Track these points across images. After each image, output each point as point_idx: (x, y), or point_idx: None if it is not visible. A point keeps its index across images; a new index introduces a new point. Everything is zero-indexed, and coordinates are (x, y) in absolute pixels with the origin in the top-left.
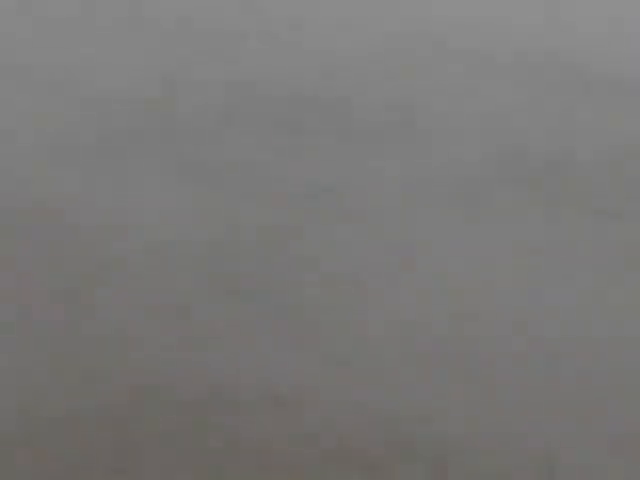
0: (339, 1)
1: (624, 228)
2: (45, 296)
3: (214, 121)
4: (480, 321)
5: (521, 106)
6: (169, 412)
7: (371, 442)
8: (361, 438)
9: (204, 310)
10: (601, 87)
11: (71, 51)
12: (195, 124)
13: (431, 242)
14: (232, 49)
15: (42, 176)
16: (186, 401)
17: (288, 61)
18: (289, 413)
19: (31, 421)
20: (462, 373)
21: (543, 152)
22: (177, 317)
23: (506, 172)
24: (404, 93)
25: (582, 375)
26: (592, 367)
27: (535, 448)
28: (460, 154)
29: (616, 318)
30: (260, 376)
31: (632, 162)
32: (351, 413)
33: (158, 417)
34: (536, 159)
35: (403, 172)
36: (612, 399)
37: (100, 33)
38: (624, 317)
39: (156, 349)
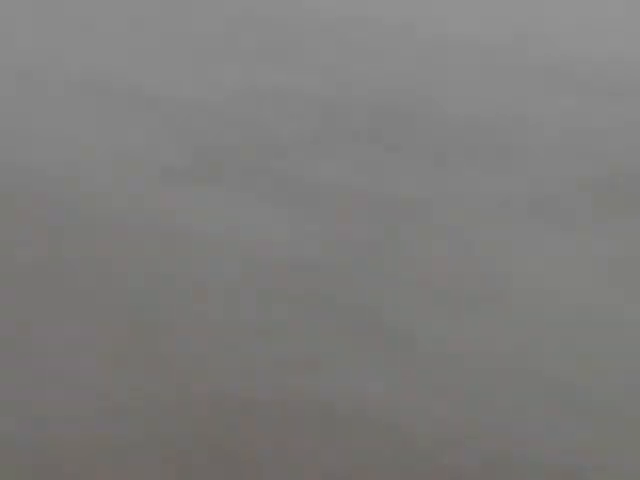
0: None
1: None
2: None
3: (307, 139)
4: (569, 339)
5: (602, 124)
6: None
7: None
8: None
9: (300, 328)
10: None
11: (161, 69)
12: (289, 141)
13: (517, 257)
14: (327, 63)
15: (151, 193)
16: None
17: (375, 76)
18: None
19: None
20: (559, 399)
21: (625, 169)
22: (274, 335)
23: (588, 188)
24: (486, 108)
25: None
26: None
27: None
28: (541, 171)
29: None
30: (355, 395)
31: None
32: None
33: (253, 438)
34: (616, 174)
35: (486, 188)
36: None
37: (191, 49)
38: None
39: (252, 366)
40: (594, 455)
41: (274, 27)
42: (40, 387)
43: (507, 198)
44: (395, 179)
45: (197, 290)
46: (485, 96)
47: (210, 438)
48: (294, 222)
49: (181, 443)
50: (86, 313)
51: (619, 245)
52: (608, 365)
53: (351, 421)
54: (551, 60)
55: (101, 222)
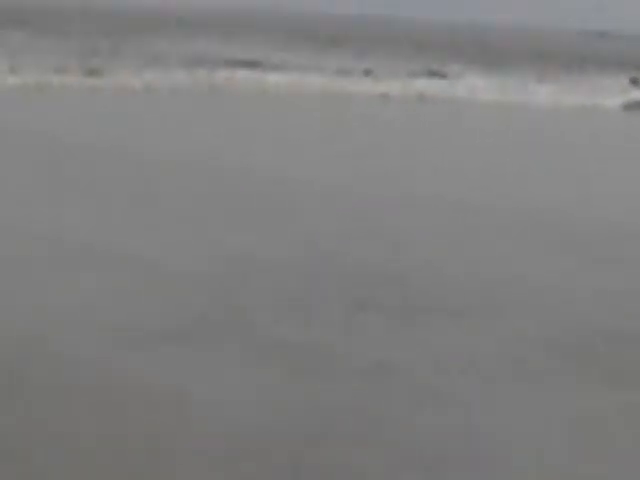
0: (405, 177)
1: None
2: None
3: (277, 301)
4: None
5: (578, 282)
6: None
7: None
8: None
9: None
10: None
11: (140, 233)
12: (258, 303)
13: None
14: (298, 228)
15: (118, 354)
16: None
17: (355, 236)
18: None
19: None
20: None
21: (602, 328)
22: None
23: (561, 347)
24: (460, 269)
25: None
26: None
27: None
28: (512, 331)
29: None
30: None
31: None
32: None
33: None
34: (594, 335)
35: (459, 348)
36: None
37: (169, 214)
38: None
39: None
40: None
41: (243, 197)
42: None
43: (475, 357)
44: (363, 338)
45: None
46: (463, 256)
47: None
48: (261, 383)
49: None
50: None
51: (582, 405)
52: None
53: None
54: (539, 222)
55: (66, 381)
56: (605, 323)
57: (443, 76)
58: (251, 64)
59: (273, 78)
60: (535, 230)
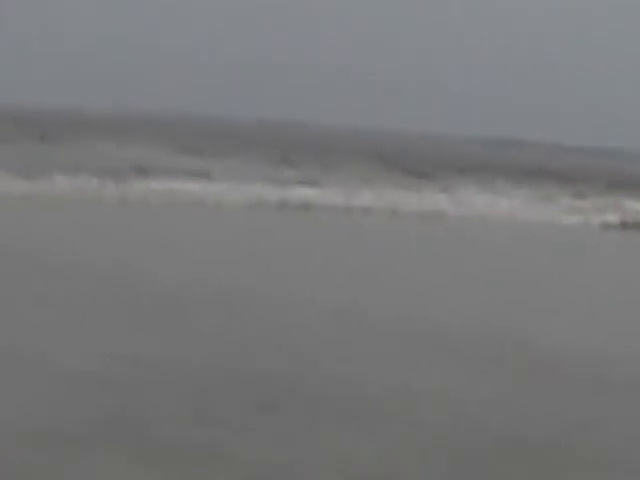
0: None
1: None
2: None
3: (185, 405)
4: None
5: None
6: None
7: None
8: None
9: None
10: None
11: (46, 333)
12: (159, 405)
13: None
14: (210, 325)
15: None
16: None
17: (254, 340)
18: None
19: None
20: None
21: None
22: None
23: (460, 461)
24: (355, 375)
25: None
26: None
27: None
28: (401, 435)
29: None
30: None
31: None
32: None
33: None
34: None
35: (343, 452)
36: None
37: (71, 316)
38: None
39: None
40: None
41: (144, 302)
42: None
43: (354, 459)
44: (265, 442)
45: None
46: (356, 363)
47: None
48: None
49: None
50: None
51: None
52: None
53: None
54: (424, 330)
55: None
56: (492, 429)
57: (313, 184)
58: (162, 171)
59: (182, 187)
60: (421, 338)
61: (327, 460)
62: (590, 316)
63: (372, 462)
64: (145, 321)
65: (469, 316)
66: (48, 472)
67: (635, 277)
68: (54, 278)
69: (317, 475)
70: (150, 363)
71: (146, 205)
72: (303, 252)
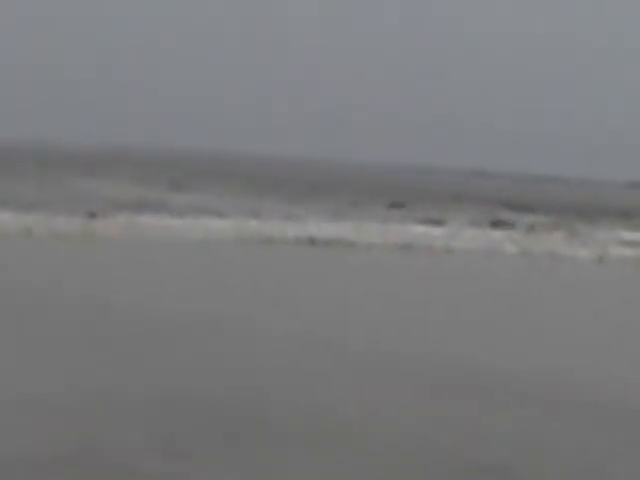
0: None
1: None
2: None
3: (153, 437)
4: None
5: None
6: None
7: None
8: None
9: None
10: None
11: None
12: (123, 436)
13: None
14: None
15: None
16: None
17: (222, 370)
18: None
19: None
20: None
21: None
22: None
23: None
24: (317, 403)
25: None
26: None
27: None
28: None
29: None
30: None
31: None
32: None
33: None
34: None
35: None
36: None
37: (34, 348)
38: None
39: None
40: None
41: (107, 334)
42: None
43: None
44: (232, 474)
45: None
46: (318, 392)
47: None
48: None
49: None
50: None
51: None
52: None
53: None
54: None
55: None
56: (444, 449)
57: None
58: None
59: (151, 222)
60: (382, 368)
61: None
62: (544, 338)
63: None
64: (112, 353)
65: (425, 345)
66: None
67: (583, 299)
68: (18, 312)
69: None
70: (116, 394)
71: (112, 239)
72: (265, 284)
